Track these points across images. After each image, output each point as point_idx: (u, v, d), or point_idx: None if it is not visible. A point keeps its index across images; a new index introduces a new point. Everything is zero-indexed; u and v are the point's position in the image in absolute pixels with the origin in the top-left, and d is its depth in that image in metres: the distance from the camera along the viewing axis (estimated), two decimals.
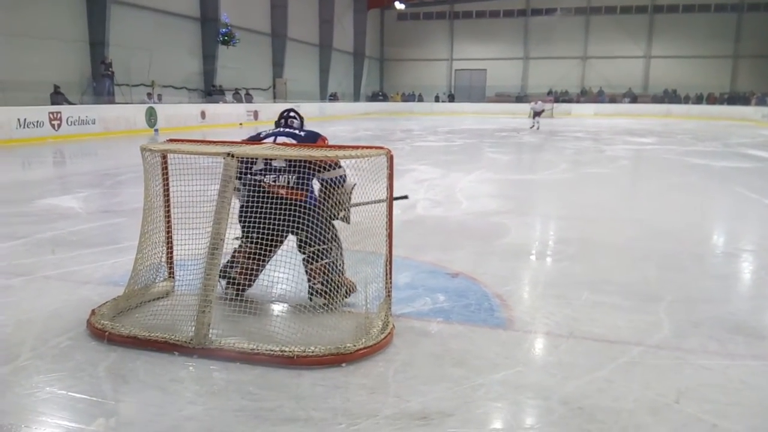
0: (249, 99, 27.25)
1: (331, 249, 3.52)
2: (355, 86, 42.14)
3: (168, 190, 3.44)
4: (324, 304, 3.36)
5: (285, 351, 2.82)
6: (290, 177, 3.43)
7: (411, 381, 2.69)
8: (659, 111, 34.99)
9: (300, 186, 3.45)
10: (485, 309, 3.62)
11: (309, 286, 3.52)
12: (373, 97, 43.12)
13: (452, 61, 44.71)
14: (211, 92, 25.29)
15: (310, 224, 3.40)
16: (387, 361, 2.88)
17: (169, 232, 3.53)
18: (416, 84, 43.47)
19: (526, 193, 8.84)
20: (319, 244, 3.47)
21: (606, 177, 10.66)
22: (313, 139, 3.70)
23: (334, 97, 37.22)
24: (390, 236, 3.34)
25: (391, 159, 3.25)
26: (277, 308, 3.55)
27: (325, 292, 3.41)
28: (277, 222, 3.26)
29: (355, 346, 2.89)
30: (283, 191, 3.41)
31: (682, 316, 3.56)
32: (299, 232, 3.44)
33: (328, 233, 3.52)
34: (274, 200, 3.29)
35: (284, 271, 3.39)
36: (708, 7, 38.11)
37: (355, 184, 3.52)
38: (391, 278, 3.37)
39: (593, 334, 3.26)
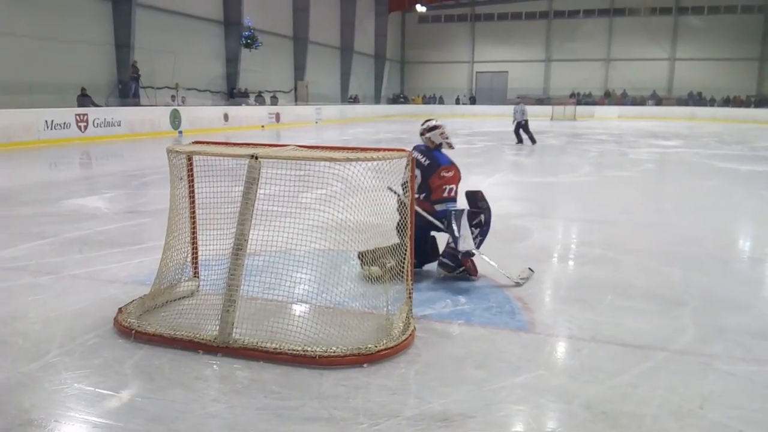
0: (274, 101, 27.49)
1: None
2: (376, 89, 42.25)
3: (193, 191, 3.49)
4: (443, 276, 4.17)
5: (307, 351, 2.84)
6: (421, 195, 4.13)
7: (432, 382, 2.70)
8: (684, 114, 34.48)
9: (426, 200, 4.13)
10: (507, 312, 3.61)
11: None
12: (394, 100, 43.19)
13: (473, 63, 44.58)
14: (233, 95, 25.57)
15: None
16: (408, 363, 2.89)
17: (194, 232, 3.58)
18: (437, 86, 43.42)
19: (548, 196, 8.78)
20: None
21: (629, 180, 10.53)
22: (434, 167, 4.17)
23: (354, 100, 37.36)
24: (411, 239, 3.36)
25: (412, 161, 3.27)
26: (300, 309, 3.58)
27: (445, 264, 4.12)
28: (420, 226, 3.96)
29: (376, 347, 2.90)
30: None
31: (707, 321, 3.51)
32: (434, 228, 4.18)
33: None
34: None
35: (306, 272, 3.42)
36: (734, 8, 37.47)
37: (464, 211, 4.07)
38: (412, 280, 3.38)
39: (616, 339, 3.23)
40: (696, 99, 37.36)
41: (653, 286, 4.17)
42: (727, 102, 36.31)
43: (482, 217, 4.15)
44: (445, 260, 4.15)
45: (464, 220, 3.99)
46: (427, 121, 4.50)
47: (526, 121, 17.28)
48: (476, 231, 4.13)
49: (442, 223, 4.07)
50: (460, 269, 4.14)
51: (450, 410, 2.45)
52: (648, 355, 3.02)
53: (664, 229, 6.11)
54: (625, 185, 9.88)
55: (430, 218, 4.06)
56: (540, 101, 39.19)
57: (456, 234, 3.94)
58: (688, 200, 8.29)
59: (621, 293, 3.99)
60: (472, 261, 4.16)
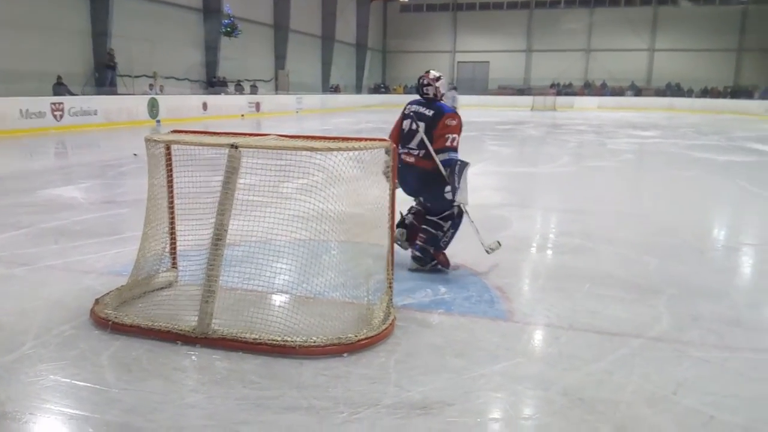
0: (254, 90, 27.22)
1: (442, 225, 4.10)
2: (357, 78, 42.04)
3: (172, 181, 3.45)
4: (415, 269, 4.15)
5: (287, 341, 2.84)
6: (420, 152, 4.05)
7: (412, 371, 2.71)
8: (662, 104, 34.88)
9: (427, 158, 4.02)
10: (486, 301, 3.64)
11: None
12: (375, 90, 43.03)
13: (455, 53, 44.56)
14: (213, 84, 25.26)
15: (431, 190, 4.07)
16: (388, 352, 2.90)
17: (172, 222, 3.54)
18: (419, 76, 43.28)
19: (528, 186, 8.85)
20: (437, 214, 4.11)
21: (608, 170, 10.65)
22: (438, 116, 4.10)
23: (335, 90, 37.16)
24: (392, 228, 3.36)
25: (394, 151, 3.27)
26: (280, 299, 3.57)
27: (418, 258, 4.13)
28: (411, 186, 4.12)
29: (356, 336, 2.91)
30: (412, 160, 4.07)
31: (682, 309, 3.57)
32: (423, 193, 4.18)
33: (446, 208, 4.06)
34: (409, 168, 4.05)
35: (286, 262, 3.41)
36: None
37: (467, 164, 4.02)
38: (392, 270, 3.39)
39: (593, 327, 3.28)
40: (674, 90, 37.80)
41: (630, 275, 4.23)
42: (705, 93, 36.79)
43: (455, 209, 4.10)
44: (417, 254, 4.15)
45: (466, 174, 3.95)
46: (427, 72, 4.35)
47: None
48: (447, 224, 4.10)
49: (445, 170, 3.97)
50: (432, 263, 4.14)
51: (429, 398, 2.47)
52: (624, 342, 3.07)
53: (641, 219, 6.19)
54: (604, 175, 10.00)
55: (439, 165, 3.97)
56: (521, 91, 39.37)
57: (455, 185, 3.91)
58: (665, 190, 8.41)
59: (599, 282, 4.04)
60: (445, 254, 4.16)
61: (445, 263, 4.17)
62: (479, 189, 7.90)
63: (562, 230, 5.85)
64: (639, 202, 7.35)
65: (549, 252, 5.05)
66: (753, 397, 2.57)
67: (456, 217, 4.12)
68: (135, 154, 10.12)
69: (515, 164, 11.70)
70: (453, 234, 4.15)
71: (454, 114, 4.14)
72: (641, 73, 39.85)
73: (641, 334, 3.18)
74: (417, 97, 4.30)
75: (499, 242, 4.30)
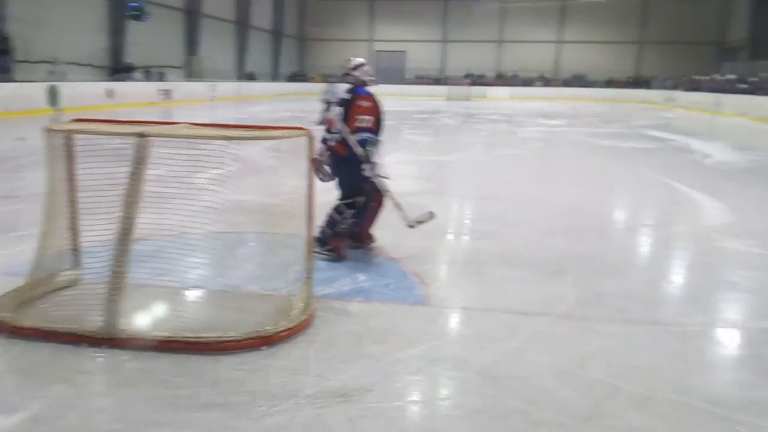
0: (163, 77, 26.01)
1: (344, 210, 4.08)
2: (273, 66, 41.19)
3: (73, 173, 3.25)
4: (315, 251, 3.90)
5: (201, 338, 2.76)
6: (334, 137, 4.10)
7: (331, 360, 2.72)
8: (569, 94, 36.54)
9: (341, 142, 4.06)
10: (404, 287, 3.70)
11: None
12: (293, 78, 42.35)
13: (372, 42, 44.60)
14: (119, 70, 23.93)
15: (343, 175, 4.10)
16: (308, 342, 2.89)
17: (74, 217, 3.34)
18: (337, 65, 42.92)
19: (444, 174, 9.03)
20: (345, 198, 4.12)
21: (519, 158, 11.07)
22: (353, 99, 4.13)
23: (251, 77, 36.24)
24: (310, 218, 3.33)
25: (311, 140, 3.23)
26: (194, 294, 3.46)
27: (317, 240, 3.96)
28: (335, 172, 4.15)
29: (275, 328, 2.87)
30: (333, 144, 4.12)
31: (586, 287, 3.79)
32: (338, 177, 4.16)
33: (353, 194, 4.08)
34: (331, 154, 4.11)
35: (201, 256, 3.31)
36: None
37: (378, 140, 4.09)
38: (312, 259, 3.37)
39: (506, 307, 3.42)
40: (581, 80, 39.72)
41: (539, 256, 4.43)
42: (609, 83, 38.89)
43: (361, 199, 4.10)
44: (317, 235, 4.08)
45: (378, 150, 4.07)
46: (349, 60, 4.39)
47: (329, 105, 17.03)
48: (349, 212, 4.11)
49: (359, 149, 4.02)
50: (326, 248, 4.12)
51: (348, 385, 2.49)
52: (533, 321, 3.22)
53: (549, 204, 6.48)
54: (516, 163, 10.38)
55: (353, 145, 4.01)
56: (437, 81, 40.01)
57: (369, 160, 3.99)
58: (572, 176, 8.84)
59: (510, 265, 4.21)
60: (341, 243, 4.14)
61: (338, 253, 4.13)
62: (398, 177, 7.97)
63: (476, 216, 6.03)
64: (547, 188, 7.69)
65: (464, 237, 5.20)
66: (652, 367, 2.77)
67: (361, 207, 4.13)
68: (22, 138, 9.42)
69: (432, 153, 11.91)
70: (353, 223, 4.14)
71: (368, 96, 4.17)
72: (550, 64, 41.54)
73: (549, 312, 3.35)
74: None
75: (431, 213, 4.39)
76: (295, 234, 3.37)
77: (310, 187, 3.30)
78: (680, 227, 5.71)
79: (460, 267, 4.25)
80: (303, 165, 3.24)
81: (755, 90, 22.35)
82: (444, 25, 43.07)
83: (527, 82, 39.51)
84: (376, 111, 4.16)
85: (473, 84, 38.06)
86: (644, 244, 5.31)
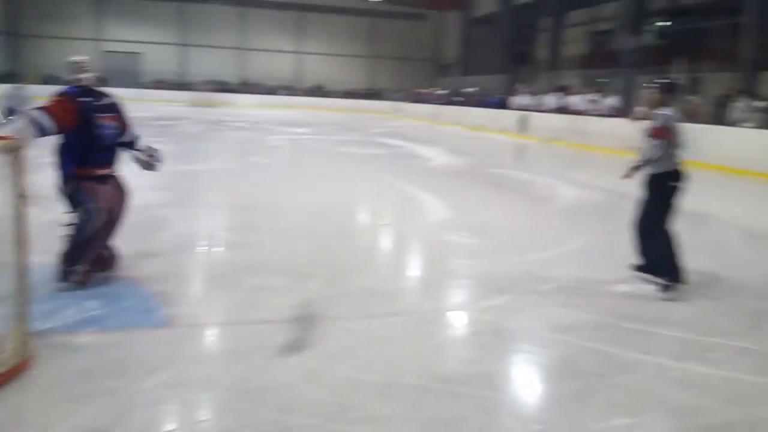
0: None
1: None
2: None
3: None
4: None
5: None
6: None
7: (57, 404, 2.37)
8: (311, 104, 38.02)
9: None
10: (144, 310, 3.40)
11: None
12: (4, 78, 36.22)
13: (100, 41, 40.52)
14: None
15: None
16: (24, 388, 2.47)
17: None
18: (61, 65, 37.92)
19: (189, 184, 8.61)
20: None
21: (268, 165, 11.14)
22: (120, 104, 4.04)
23: None
24: (24, 241, 2.84)
25: (18, 152, 2.76)
26: None
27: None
28: None
29: None
30: None
31: (333, 288, 3.96)
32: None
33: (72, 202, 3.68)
34: None
35: None
36: (345, 10, 42.76)
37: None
38: (27, 291, 2.88)
39: (255, 317, 3.39)
40: (321, 90, 41.70)
41: (288, 262, 4.50)
42: (347, 94, 41.53)
43: (80, 218, 3.64)
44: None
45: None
46: (71, 62, 4.03)
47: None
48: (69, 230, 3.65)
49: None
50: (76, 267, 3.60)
51: (80, 430, 2.19)
52: (283, 328, 3.24)
53: (297, 209, 6.63)
54: (264, 170, 10.42)
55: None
56: (179, 86, 38.13)
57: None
58: (317, 182, 9.19)
59: (261, 274, 4.18)
60: (80, 271, 3.62)
61: (79, 280, 3.62)
62: (136, 189, 7.34)
63: (225, 226, 5.88)
64: (295, 194, 7.85)
65: (212, 249, 5.02)
66: (393, 356, 3.00)
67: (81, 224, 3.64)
68: None
69: (175, 162, 11.24)
70: (81, 254, 3.62)
71: (63, 93, 3.85)
72: (293, 74, 42.76)
73: (298, 316, 3.40)
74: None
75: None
76: (2, 262, 2.85)
77: (21, 206, 2.83)
78: (411, 225, 6.32)
79: (208, 281, 4.08)
80: (9, 179, 2.76)
81: (466, 102, 26.11)
82: (182, 27, 41.27)
83: (271, 91, 40.06)
84: (63, 108, 3.69)
85: (217, 90, 37.22)
86: (382, 242, 5.77)
